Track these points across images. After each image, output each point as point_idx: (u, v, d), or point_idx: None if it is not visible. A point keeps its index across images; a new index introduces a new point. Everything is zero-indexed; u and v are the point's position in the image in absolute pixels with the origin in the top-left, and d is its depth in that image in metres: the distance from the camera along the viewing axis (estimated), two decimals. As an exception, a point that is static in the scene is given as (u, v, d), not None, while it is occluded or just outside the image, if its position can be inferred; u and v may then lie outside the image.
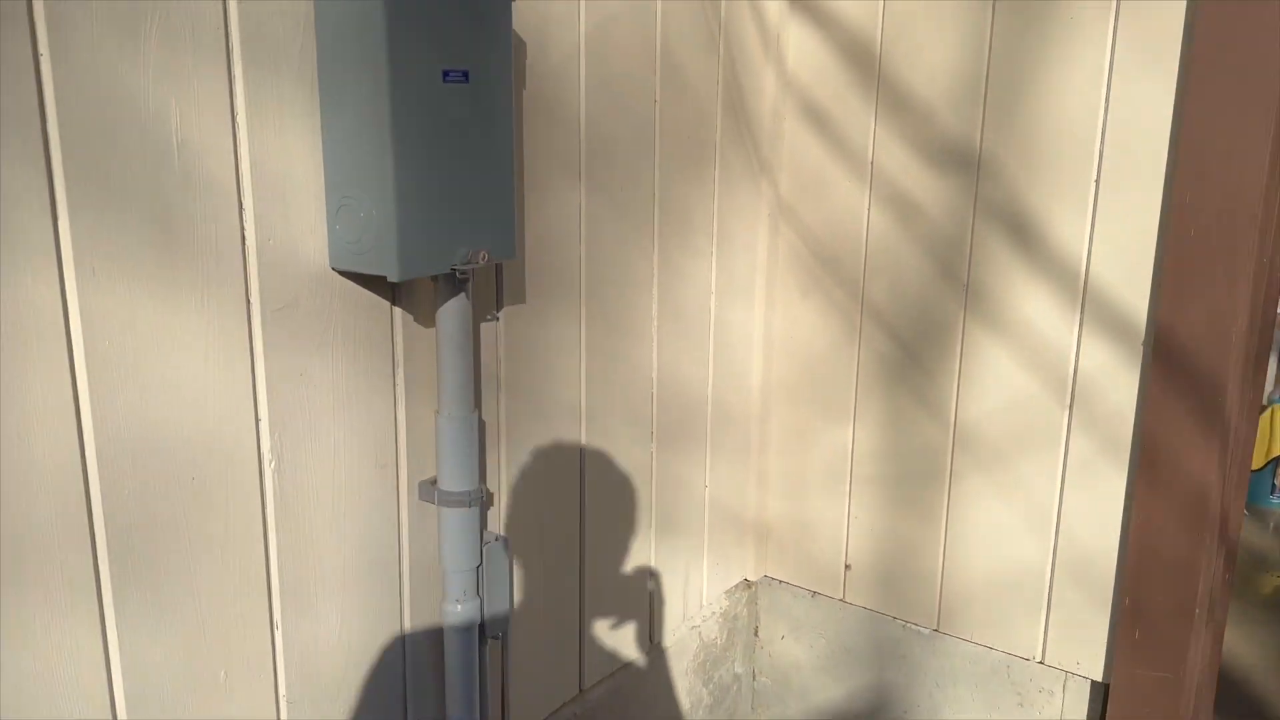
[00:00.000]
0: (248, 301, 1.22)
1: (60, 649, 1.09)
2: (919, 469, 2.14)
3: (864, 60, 2.04)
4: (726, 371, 2.18)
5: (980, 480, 2.05)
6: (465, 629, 1.51)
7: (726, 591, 2.37)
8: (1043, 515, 1.98)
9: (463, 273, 1.31)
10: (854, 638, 2.35)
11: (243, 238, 1.20)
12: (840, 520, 2.28)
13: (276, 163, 1.21)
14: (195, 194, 1.14)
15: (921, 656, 2.26)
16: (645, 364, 1.92)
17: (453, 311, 1.38)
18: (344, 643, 1.41)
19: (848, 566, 2.31)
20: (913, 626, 2.24)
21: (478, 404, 1.44)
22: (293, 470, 1.30)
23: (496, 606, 1.57)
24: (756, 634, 2.50)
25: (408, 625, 1.52)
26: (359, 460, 1.39)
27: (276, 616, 1.32)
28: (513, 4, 1.31)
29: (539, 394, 1.68)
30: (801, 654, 2.44)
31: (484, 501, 1.47)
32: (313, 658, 1.37)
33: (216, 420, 1.20)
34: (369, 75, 1.19)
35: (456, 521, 1.46)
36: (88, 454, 1.09)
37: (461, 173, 1.28)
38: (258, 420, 1.25)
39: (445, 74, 1.24)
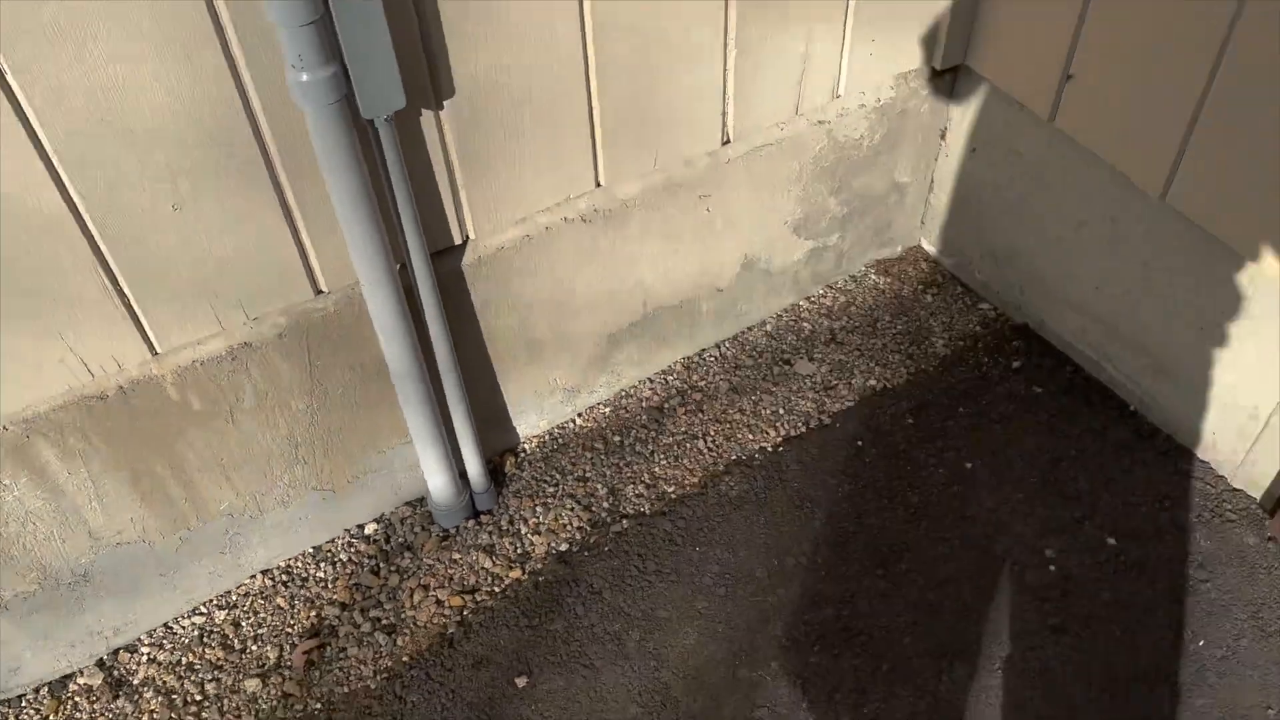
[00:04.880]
0: None
1: None
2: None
3: None
4: None
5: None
6: (318, 103, 1.08)
7: (895, 79, 1.69)
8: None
9: None
10: (1055, 175, 1.64)
11: None
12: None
13: None
14: None
15: (1130, 224, 1.55)
16: None
17: None
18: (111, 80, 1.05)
19: (1069, 76, 1.52)
20: (1131, 184, 1.50)
21: None
22: None
23: (373, 80, 1.11)
24: (943, 138, 1.84)
25: (250, 88, 1.11)
26: None
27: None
28: None
29: None
30: (988, 177, 1.77)
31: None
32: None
33: None
34: None
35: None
36: None
37: None
38: None
39: None
